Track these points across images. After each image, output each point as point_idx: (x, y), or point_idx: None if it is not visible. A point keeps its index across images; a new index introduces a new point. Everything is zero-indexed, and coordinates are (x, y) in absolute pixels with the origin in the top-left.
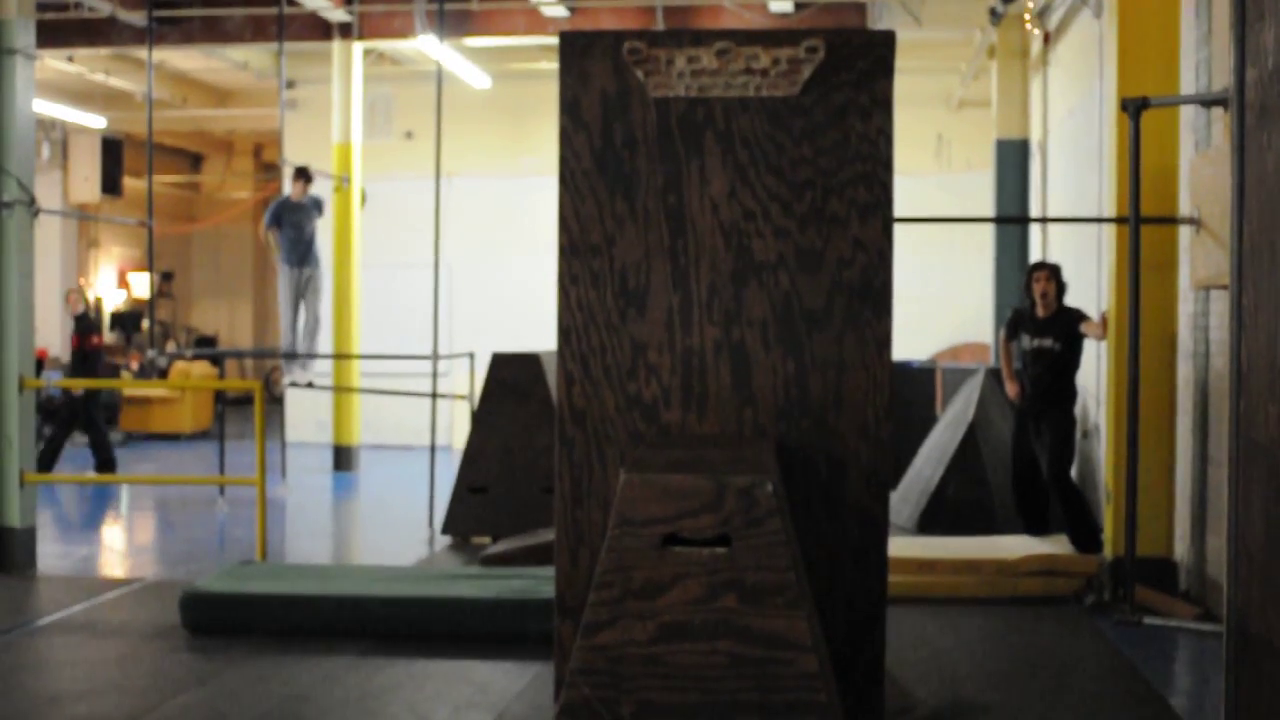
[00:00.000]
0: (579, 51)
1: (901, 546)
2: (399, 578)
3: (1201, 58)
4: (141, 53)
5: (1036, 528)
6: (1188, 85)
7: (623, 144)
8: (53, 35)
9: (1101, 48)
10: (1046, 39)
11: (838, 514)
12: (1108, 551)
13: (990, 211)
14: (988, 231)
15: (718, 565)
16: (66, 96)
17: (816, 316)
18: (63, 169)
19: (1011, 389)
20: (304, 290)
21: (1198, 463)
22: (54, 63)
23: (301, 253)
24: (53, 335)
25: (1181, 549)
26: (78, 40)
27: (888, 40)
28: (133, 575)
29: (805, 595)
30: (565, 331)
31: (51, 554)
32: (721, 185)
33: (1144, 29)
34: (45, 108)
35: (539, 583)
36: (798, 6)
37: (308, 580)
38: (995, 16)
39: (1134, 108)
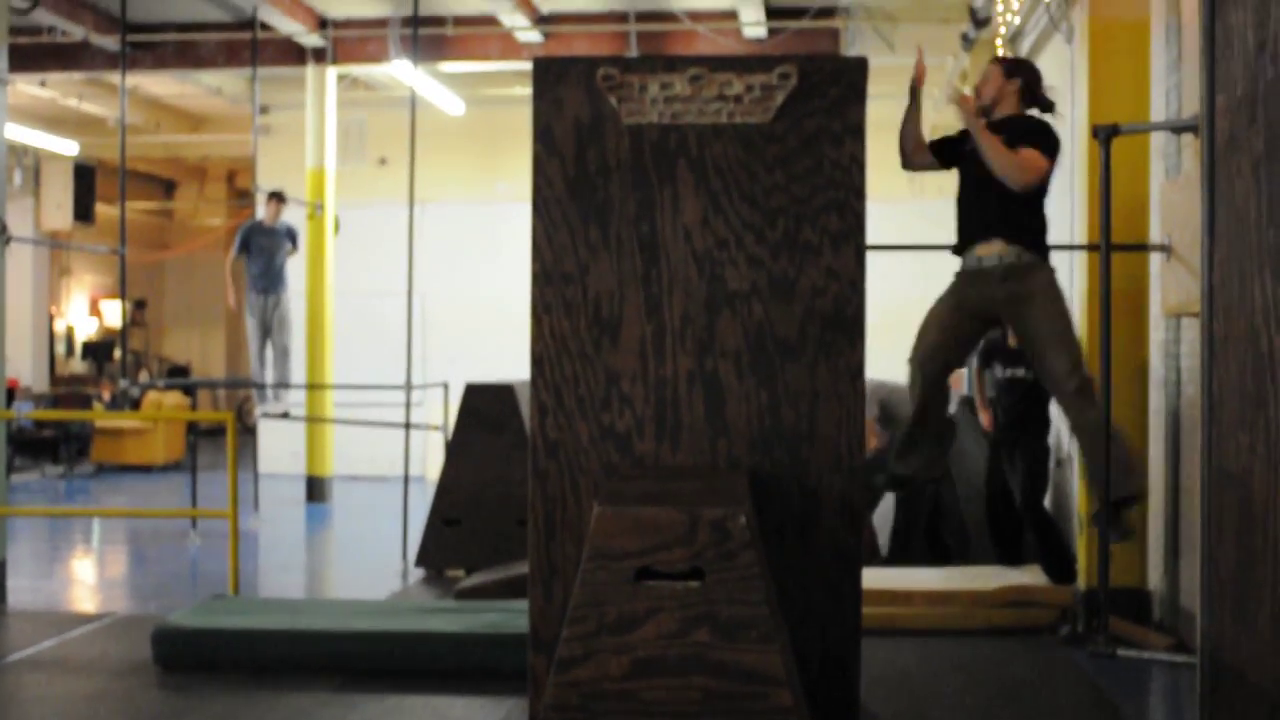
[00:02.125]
0: (552, 78)
1: (875, 577)
2: (372, 611)
3: (1172, 84)
4: (115, 78)
5: (1011, 558)
6: (1158, 111)
7: (596, 171)
8: (25, 60)
9: (1073, 73)
10: None
11: (811, 545)
12: (1081, 582)
13: None
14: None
15: (691, 599)
16: (39, 121)
17: (789, 346)
18: (35, 195)
19: (985, 418)
20: (270, 319)
21: (1170, 491)
22: (26, 88)
23: (270, 280)
24: (24, 364)
25: (1155, 578)
26: (50, 65)
27: (860, 67)
28: (104, 609)
29: (779, 629)
30: (538, 361)
31: (22, 588)
32: (694, 213)
33: (1114, 55)
34: (17, 133)
35: (513, 616)
36: (771, 32)
37: (280, 615)
38: (967, 42)
39: (1104, 135)
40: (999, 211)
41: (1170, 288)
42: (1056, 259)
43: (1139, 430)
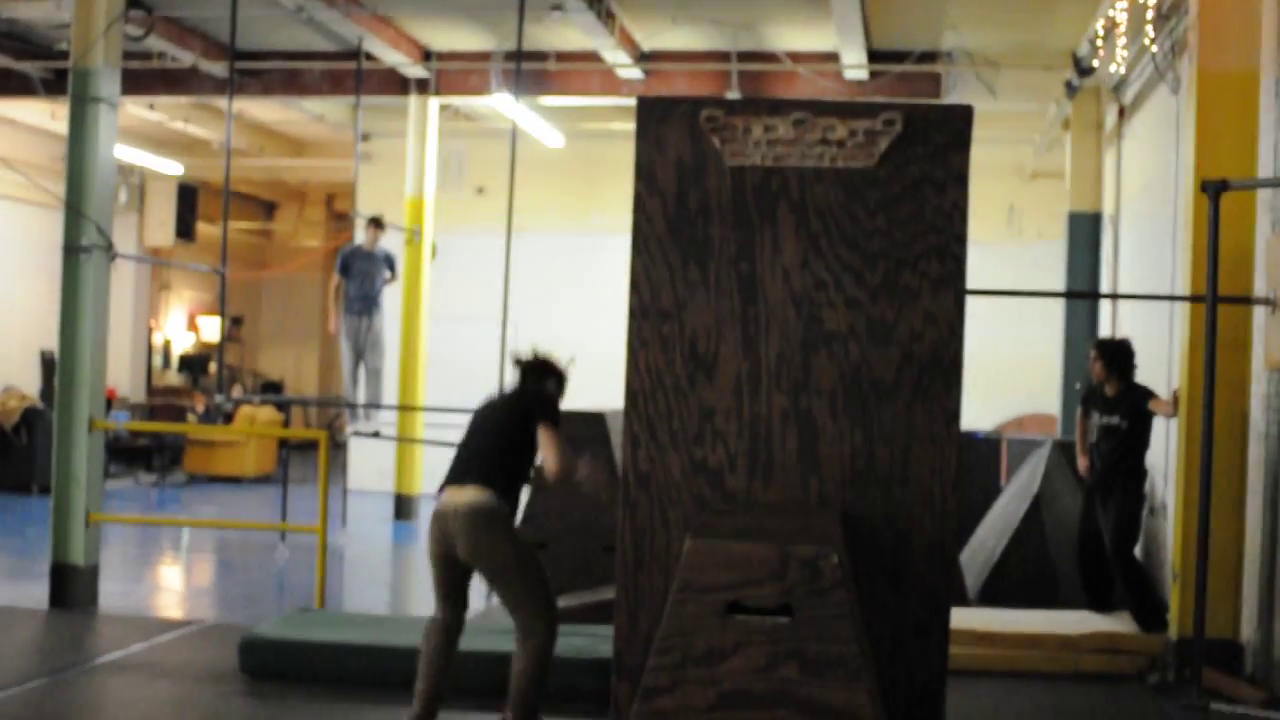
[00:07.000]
0: (656, 117)
1: (962, 618)
2: None
3: (1279, 137)
4: (221, 102)
5: (1101, 604)
6: (1265, 163)
7: (697, 211)
8: (136, 83)
9: (1179, 124)
10: (1121, 112)
11: (901, 586)
12: (1173, 631)
13: (1061, 282)
14: (1058, 301)
15: (780, 635)
16: (145, 142)
17: (885, 388)
18: (139, 213)
19: (1082, 464)
20: (364, 342)
21: (1267, 545)
22: (135, 110)
23: (365, 304)
24: (122, 375)
25: (1248, 631)
26: (159, 89)
27: (965, 115)
28: (192, 617)
29: (867, 668)
30: (633, 394)
31: (114, 592)
32: (794, 254)
33: (1222, 107)
34: (124, 153)
35: (596, 641)
36: (872, 75)
37: (365, 630)
38: (1071, 90)
39: (1214, 190)
40: None
41: (1274, 341)
42: (1157, 306)
43: (1238, 482)
